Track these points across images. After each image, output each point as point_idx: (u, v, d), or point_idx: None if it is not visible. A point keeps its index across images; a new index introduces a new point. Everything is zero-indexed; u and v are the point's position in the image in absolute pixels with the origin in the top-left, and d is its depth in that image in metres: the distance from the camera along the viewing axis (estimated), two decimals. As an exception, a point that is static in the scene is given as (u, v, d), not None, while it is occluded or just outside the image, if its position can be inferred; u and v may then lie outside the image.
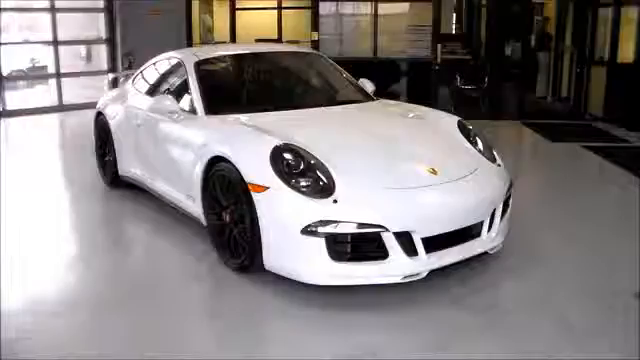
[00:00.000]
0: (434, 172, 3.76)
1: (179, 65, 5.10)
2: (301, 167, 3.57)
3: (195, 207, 4.39)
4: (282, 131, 3.92)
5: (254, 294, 3.70)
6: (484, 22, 10.65)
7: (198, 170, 4.17)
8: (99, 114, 6.06)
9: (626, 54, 9.20)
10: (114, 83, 6.71)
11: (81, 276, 4.08)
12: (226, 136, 4.05)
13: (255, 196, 3.57)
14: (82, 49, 11.84)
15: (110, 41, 11.59)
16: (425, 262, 3.53)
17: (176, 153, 4.60)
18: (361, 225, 3.41)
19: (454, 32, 11.03)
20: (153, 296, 3.75)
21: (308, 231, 3.39)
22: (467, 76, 9.98)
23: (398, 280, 3.50)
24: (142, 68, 5.93)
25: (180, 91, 4.91)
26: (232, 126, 4.14)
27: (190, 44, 12.14)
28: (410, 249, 3.49)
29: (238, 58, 5.23)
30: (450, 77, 9.93)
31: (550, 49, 11.80)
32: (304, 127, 4.15)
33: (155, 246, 4.62)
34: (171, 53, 5.48)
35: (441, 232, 3.61)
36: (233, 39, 12.32)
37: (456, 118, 4.61)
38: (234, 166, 3.74)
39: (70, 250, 4.57)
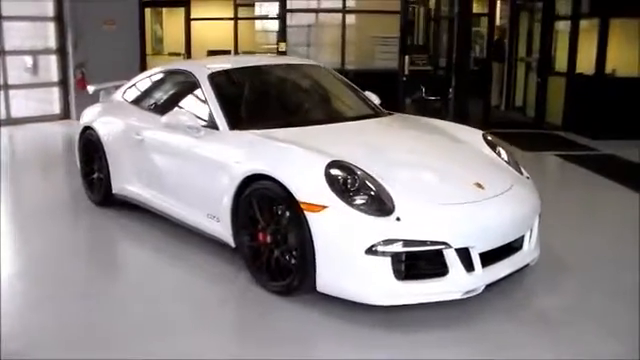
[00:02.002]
0: (481, 187, 3.75)
1: (187, 77, 4.88)
2: (356, 184, 3.47)
3: (219, 227, 4.19)
4: (321, 148, 3.80)
5: (301, 315, 3.57)
6: (443, 34, 10.85)
7: (229, 188, 3.97)
8: (86, 129, 5.71)
9: (585, 65, 9.59)
10: (96, 96, 6.34)
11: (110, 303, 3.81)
12: (267, 153, 3.87)
13: (310, 216, 3.43)
14: (28, 59, 11.15)
15: (61, 51, 11.01)
16: (481, 277, 3.51)
17: (195, 170, 4.37)
18: (424, 242, 3.35)
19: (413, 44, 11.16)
20: (190, 322, 3.53)
21: (373, 251, 3.29)
22: (432, 88, 10.12)
23: (458, 296, 3.46)
24: (134, 81, 5.65)
25: (191, 105, 4.70)
26: (270, 142, 3.95)
27: (144, 55, 11.75)
28: (468, 265, 3.46)
29: (249, 71, 5.04)
30: (417, 88, 10.04)
31: (504, 60, 12.14)
32: (340, 143, 4.00)
33: (170, 267, 4.35)
34: (173, 65, 5.24)
35: (494, 247, 3.61)
36: (188, 51, 12.01)
37: (480, 132, 4.63)
38: (281, 184, 3.58)
39: (81, 275, 4.26)
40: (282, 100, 5.04)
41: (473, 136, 4.55)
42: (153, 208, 4.97)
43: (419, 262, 3.40)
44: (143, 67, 11.70)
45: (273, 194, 3.66)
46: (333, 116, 4.77)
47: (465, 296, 3.48)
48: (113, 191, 5.39)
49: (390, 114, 5.02)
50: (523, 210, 3.85)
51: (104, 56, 10.83)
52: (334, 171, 3.49)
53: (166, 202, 4.75)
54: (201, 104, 4.56)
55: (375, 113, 4.95)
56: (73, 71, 10.92)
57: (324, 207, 3.39)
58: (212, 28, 13.02)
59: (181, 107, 4.76)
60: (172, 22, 13.27)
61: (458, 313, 3.59)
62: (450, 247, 3.37)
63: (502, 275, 3.65)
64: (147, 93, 5.33)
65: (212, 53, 12.82)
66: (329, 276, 3.44)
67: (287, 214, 3.61)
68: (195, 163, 4.38)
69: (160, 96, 5.18)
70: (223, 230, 4.16)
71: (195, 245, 4.59)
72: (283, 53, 9.77)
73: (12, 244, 4.83)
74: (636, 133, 9.01)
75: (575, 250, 4.66)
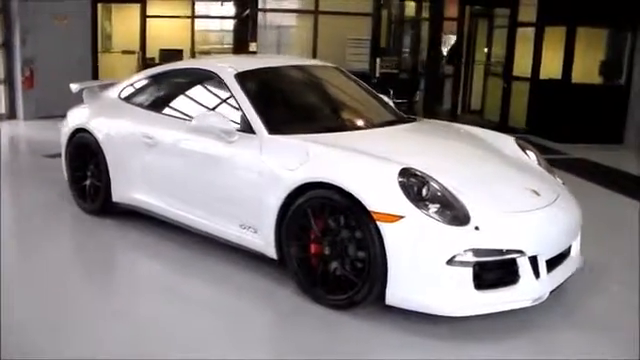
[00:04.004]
0: (537, 194, 3.72)
1: (205, 77, 4.60)
2: (429, 193, 3.35)
3: (256, 238, 3.97)
4: (380, 155, 3.63)
5: (366, 328, 3.43)
6: (410, 38, 10.92)
7: (274, 197, 3.75)
8: (78, 131, 5.28)
9: (546, 71, 9.88)
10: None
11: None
12: (328, 160, 3.65)
13: (384, 226, 3.27)
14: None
15: (6, 46, 10.25)
16: (547, 284, 3.49)
17: (227, 178, 4.11)
18: (501, 251, 3.29)
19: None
20: (249, 342, 3.31)
21: (455, 261, 3.19)
22: (399, 90, 10.13)
23: (528, 304, 3.42)
24: (133, 80, 5.27)
25: (215, 107, 4.43)
26: (330, 149, 3.73)
27: (96, 52, 11.15)
28: (535, 272, 3.42)
29: (275, 72, 4.79)
30: (385, 90, 10.01)
31: (460, 64, 12.34)
32: (393, 150, 3.84)
33: (201, 283, 4.05)
34: (184, 64, 4.93)
35: (556, 253, 3.60)
36: (143, 49, 11.52)
37: (512, 137, 4.61)
38: (346, 193, 3.40)
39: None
40: (315, 103, 4.83)
41: (506, 142, 4.53)
42: (168, 218, 4.65)
43: (493, 271, 3.32)
44: (95, 65, 11.15)
45: (335, 203, 3.48)
46: (368, 121, 4.58)
47: (534, 303, 3.44)
48: (114, 199, 5.01)
49: (414, 118, 4.91)
50: (574, 217, 3.86)
51: (54, 53, 10.22)
52: (406, 179, 3.36)
53: (186, 212, 4.45)
54: (228, 106, 4.29)
55: (402, 117, 4.83)
56: (21, 68, 10.21)
57: (400, 217, 3.25)
58: (162, 26, 12.57)
59: (204, 109, 4.48)
60: (121, 19, 12.68)
61: (515, 320, 3.53)
62: (524, 255, 3.33)
63: (561, 281, 3.65)
64: (155, 94, 4.98)
65: (165, 52, 12.38)
66: (403, 288, 3.30)
67: (352, 224, 3.44)
68: (227, 170, 4.12)
69: (173, 97, 4.85)
70: (261, 241, 3.93)
71: (220, 257, 4.34)
72: (253, 53, 9.50)
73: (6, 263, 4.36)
74: (596, 137, 9.38)
75: (604, 253, 4.69)
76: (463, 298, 3.25)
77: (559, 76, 9.64)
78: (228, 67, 4.50)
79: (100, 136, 5.03)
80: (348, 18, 10.02)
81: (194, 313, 3.62)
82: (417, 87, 10.34)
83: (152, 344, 3.26)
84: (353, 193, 3.37)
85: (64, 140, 5.49)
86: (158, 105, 4.87)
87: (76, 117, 5.45)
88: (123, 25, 12.57)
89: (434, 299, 3.27)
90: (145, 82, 5.15)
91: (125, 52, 11.92)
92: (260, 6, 9.74)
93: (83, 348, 3.19)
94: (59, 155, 6.80)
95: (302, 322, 3.53)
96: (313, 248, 3.66)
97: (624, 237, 5.19)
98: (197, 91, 4.72)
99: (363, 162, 3.55)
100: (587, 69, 9.67)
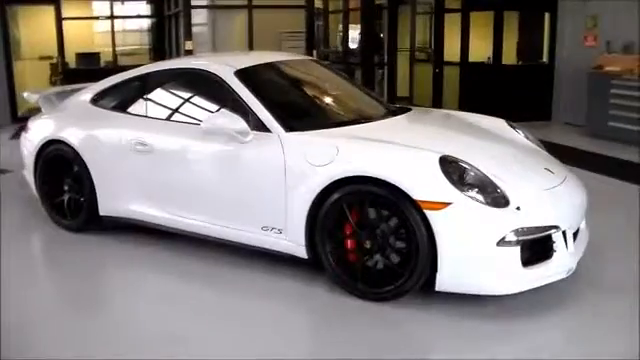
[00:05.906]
0: (551, 172, 3.92)
1: (201, 77, 4.42)
2: (469, 178, 3.44)
3: (281, 239, 3.91)
4: (411, 144, 3.69)
5: (416, 316, 3.49)
6: (338, 28, 10.99)
7: (305, 195, 3.71)
8: (50, 143, 4.94)
9: (475, 54, 10.32)
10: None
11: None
12: (363, 153, 3.63)
13: (432, 214, 3.33)
14: None
15: None
16: (574, 255, 3.68)
17: (247, 180, 4.00)
18: (541, 228, 3.44)
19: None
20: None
21: (505, 242, 3.31)
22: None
23: (564, 276, 3.60)
24: (107, 85, 4.97)
25: (217, 107, 4.29)
26: (363, 142, 3.72)
27: (9, 58, 10.41)
28: (565, 245, 3.60)
29: (270, 67, 4.66)
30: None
31: (381, 52, 12.57)
32: (416, 139, 3.89)
33: (233, 296, 3.94)
34: (174, 63, 4.75)
35: (578, 226, 3.82)
36: (62, 53, 10.86)
37: (503, 120, 4.79)
38: (387, 185, 3.42)
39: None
40: (318, 97, 4.79)
41: (500, 124, 4.71)
42: (174, 228, 4.45)
43: (533, 247, 3.46)
44: (10, 73, 10.42)
45: (375, 196, 3.50)
46: (373, 113, 4.55)
47: (568, 275, 3.62)
48: (101, 213, 4.75)
49: (409, 108, 4.92)
50: (584, 191, 4.07)
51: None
52: (447, 166, 3.44)
53: (196, 220, 4.28)
54: (230, 106, 4.15)
55: (398, 107, 4.87)
56: None
57: (447, 204, 3.32)
58: (77, 29, 11.93)
59: (201, 110, 4.35)
60: (30, 23, 11.86)
61: (549, 294, 3.65)
62: (559, 230, 3.51)
63: (582, 252, 3.85)
64: (140, 97, 4.69)
65: (82, 56, 11.78)
66: (454, 273, 3.38)
67: (392, 215, 3.48)
68: (244, 172, 4.01)
69: (164, 100, 4.62)
70: (288, 242, 3.88)
71: (234, 263, 4.24)
72: (189, 52, 9.22)
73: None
74: (526, 115, 9.84)
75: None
76: (513, 276, 3.38)
77: (486, 59, 10.09)
78: (225, 65, 4.36)
79: (80, 147, 4.74)
80: (282, 12, 9.98)
81: (232, 325, 3.50)
82: (352, 76, 10.44)
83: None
84: (397, 184, 3.40)
85: (31, 154, 5.12)
86: (147, 109, 4.63)
87: (43, 128, 5.11)
88: (32, 29, 11.81)
89: (487, 280, 3.38)
90: (125, 86, 4.89)
91: (42, 58, 11.17)
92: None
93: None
94: (7, 171, 6.46)
95: (354, 320, 3.51)
96: (350, 243, 3.66)
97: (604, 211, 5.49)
98: (191, 92, 4.57)
99: (401, 153, 3.58)
100: (513, 51, 10.18)
